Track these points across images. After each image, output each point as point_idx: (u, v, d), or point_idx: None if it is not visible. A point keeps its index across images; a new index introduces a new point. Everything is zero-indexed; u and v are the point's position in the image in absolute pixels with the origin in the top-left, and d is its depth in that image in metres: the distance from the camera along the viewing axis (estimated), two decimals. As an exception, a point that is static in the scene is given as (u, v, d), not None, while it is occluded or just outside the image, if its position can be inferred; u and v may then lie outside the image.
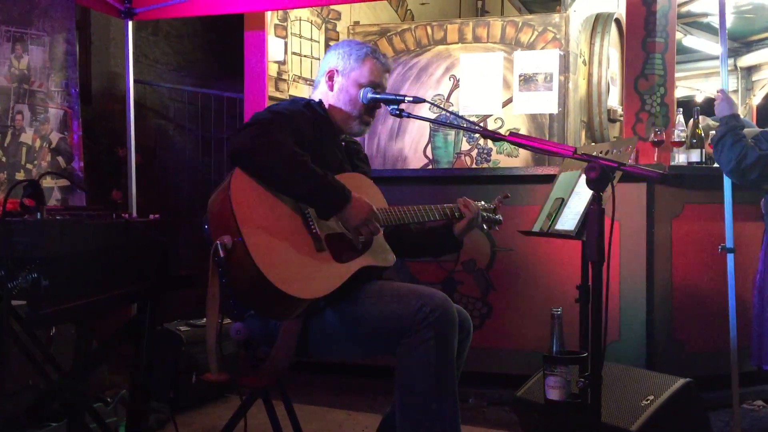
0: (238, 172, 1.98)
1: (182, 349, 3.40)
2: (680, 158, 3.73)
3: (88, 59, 4.67)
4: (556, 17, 4.50)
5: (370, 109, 2.29)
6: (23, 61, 3.40)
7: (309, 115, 2.21)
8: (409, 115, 2.16)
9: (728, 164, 2.99)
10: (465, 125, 2.32)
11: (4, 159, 3.33)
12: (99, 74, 4.72)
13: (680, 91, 7.78)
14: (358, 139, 2.53)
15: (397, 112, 2.16)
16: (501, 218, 2.56)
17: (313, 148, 2.11)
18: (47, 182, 3.57)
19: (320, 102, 2.30)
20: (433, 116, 4.32)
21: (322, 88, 2.33)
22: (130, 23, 3.99)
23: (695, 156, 3.72)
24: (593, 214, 1.75)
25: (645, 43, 3.65)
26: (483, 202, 2.51)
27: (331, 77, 2.30)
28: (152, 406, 3.21)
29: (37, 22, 3.47)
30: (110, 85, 4.72)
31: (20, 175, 3.38)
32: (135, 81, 4.22)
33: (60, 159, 3.63)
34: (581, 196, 2.42)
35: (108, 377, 3.41)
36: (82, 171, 3.74)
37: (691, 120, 3.85)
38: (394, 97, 2.18)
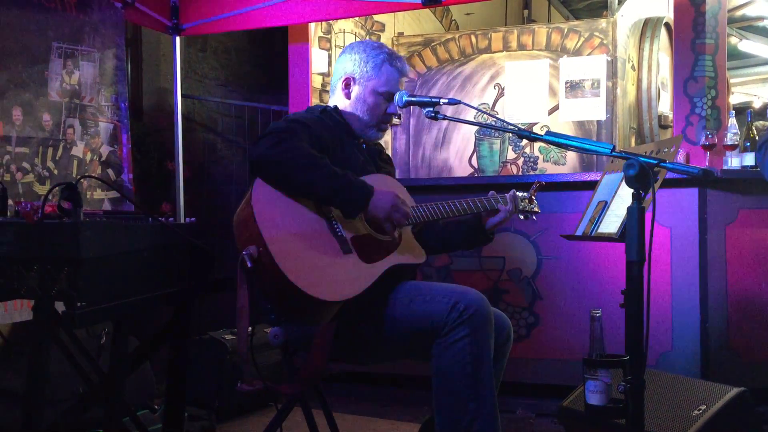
0: (259, 183, 1.99)
1: (227, 357, 3.42)
2: (733, 162, 3.61)
3: (139, 76, 4.79)
4: (602, 22, 4.42)
5: (388, 116, 2.29)
6: (74, 76, 3.51)
7: (326, 121, 2.22)
8: (444, 117, 2.15)
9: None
10: (499, 126, 2.28)
11: (56, 172, 3.42)
12: (149, 90, 4.83)
13: (736, 97, 7.55)
14: (388, 143, 2.52)
15: (432, 114, 2.14)
16: (537, 208, 2.51)
17: (333, 152, 2.12)
18: (98, 194, 3.66)
19: (335, 108, 2.30)
20: (477, 126, 4.28)
21: (338, 94, 2.33)
22: (177, 39, 4.09)
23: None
24: (632, 213, 1.70)
25: (694, 44, 3.55)
26: (518, 191, 2.46)
27: (347, 85, 2.30)
28: (197, 413, 3.24)
29: (87, 38, 3.58)
30: (160, 101, 4.83)
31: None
32: (183, 96, 4.31)
33: (110, 171, 3.72)
34: (624, 198, 2.35)
35: (156, 386, 3.46)
36: (132, 183, 3.82)
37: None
38: (429, 99, 2.17)
